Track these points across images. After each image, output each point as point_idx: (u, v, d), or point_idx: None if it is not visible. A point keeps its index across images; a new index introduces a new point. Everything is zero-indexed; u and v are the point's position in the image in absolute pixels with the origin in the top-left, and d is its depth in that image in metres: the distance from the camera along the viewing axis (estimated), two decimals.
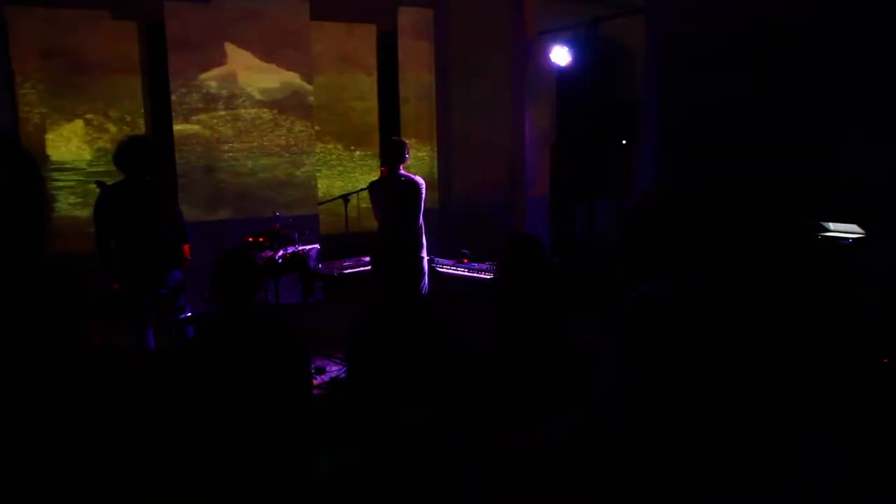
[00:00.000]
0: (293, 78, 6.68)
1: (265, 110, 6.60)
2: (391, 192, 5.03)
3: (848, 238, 5.43)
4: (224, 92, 6.42)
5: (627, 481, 1.76)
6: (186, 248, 4.22)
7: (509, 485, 2.60)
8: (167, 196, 4.21)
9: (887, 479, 2.92)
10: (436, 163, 8.08)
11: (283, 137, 6.70)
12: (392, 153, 5.03)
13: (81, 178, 6.49)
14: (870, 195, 6.02)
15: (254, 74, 6.50)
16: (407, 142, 5.19)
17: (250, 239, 4.59)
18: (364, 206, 5.34)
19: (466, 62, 7.76)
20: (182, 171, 6.32)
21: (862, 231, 5.26)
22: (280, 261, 4.51)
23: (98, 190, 4.12)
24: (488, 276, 4.71)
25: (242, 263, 2.50)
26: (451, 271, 5.00)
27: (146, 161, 4.10)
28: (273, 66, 6.56)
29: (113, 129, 6.62)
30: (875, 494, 2.86)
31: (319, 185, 7.30)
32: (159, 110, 6.54)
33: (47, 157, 6.28)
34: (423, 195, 5.06)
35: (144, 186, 4.07)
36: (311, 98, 6.82)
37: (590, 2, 6.99)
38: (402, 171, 5.01)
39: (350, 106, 7.75)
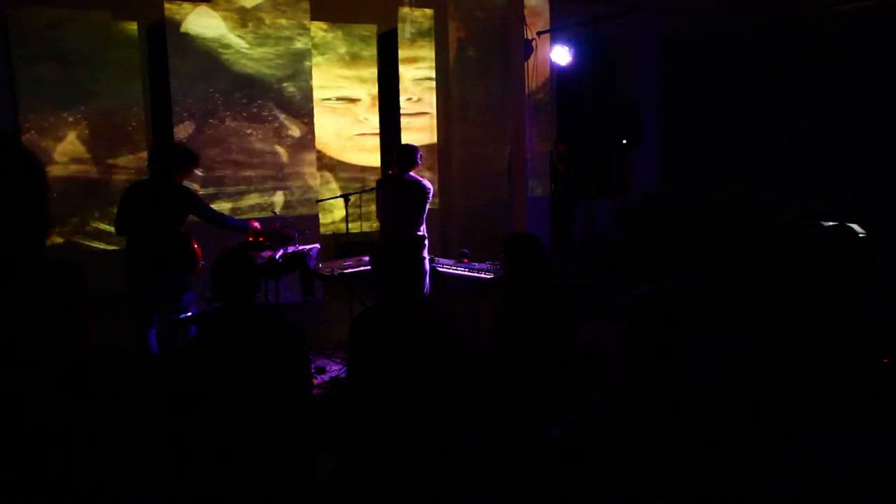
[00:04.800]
0: (293, 78, 6.67)
1: (265, 108, 6.59)
2: (396, 191, 5.03)
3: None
4: (225, 92, 6.41)
5: (627, 481, 1.76)
6: (199, 250, 4.21)
7: (508, 484, 2.60)
8: (186, 201, 4.20)
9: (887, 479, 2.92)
10: (436, 162, 8.08)
11: (282, 137, 6.70)
12: (404, 157, 5.02)
13: (82, 177, 6.51)
14: (871, 194, 6.02)
15: (254, 74, 6.49)
16: (420, 148, 5.20)
17: (251, 238, 4.59)
18: (365, 208, 5.34)
19: (466, 62, 7.76)
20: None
21: (863, 231, 5.26)
22: (280, 260, 4.50)
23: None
24: (488, 276, 4.71)
25: (241, 263, 2.50)
26: (451, 271, 5.00)
27: (171, 164, 4.13)
28: (273, 66, 6.56)
29: (113, 129, 6.63)
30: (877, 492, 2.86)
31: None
32: (160, 109, 6.54)
33: (47, 156, 6.27)
34: (429, 198, 5.06)
35: (165, 188, 4.09)
36: (312, 97, 6.81)
37: (590, 2, 6.99)
38: (411, 174, 5.01)
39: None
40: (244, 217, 6.22)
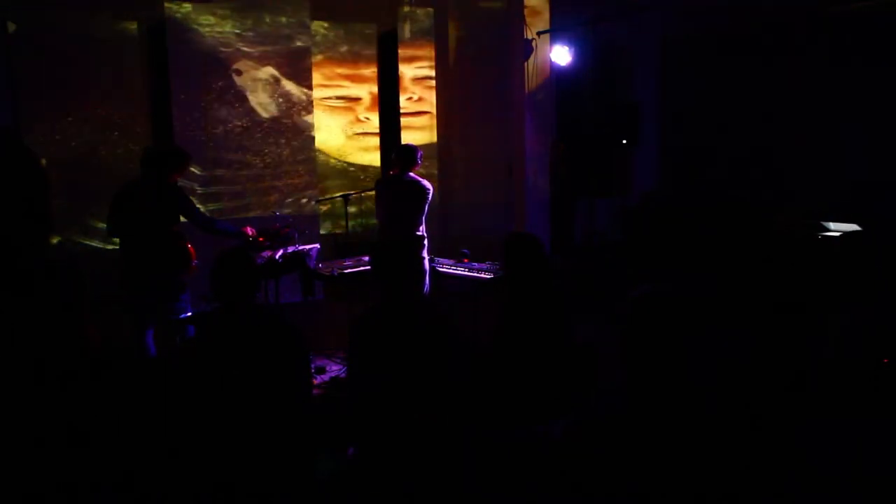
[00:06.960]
0: (293, 76, 6.67)
1: (266, 107, 6.59)
2: (395, 191, 5.03)
3: None
4: (225, 91, 6.41)
5: (628, 481, 1.76)
6: (192, 249, 4.21)
7: (509, 485, 2.60)
8: (178, 201, 4.19)
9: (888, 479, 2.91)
10: (436, 162, 8.08)
11: (282, 135, 6.70)
12: (404, 157, 5.02)
13: (83, 177, 6.50)
14: (871, 194, 6.02)
15: (254, 73, 6.50)
16: (420, 148, 5.20)
17: (248, 239, 4.59)
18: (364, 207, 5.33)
19: (466, 61, 7.76)
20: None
21: (863, 230, 5.25)
22: (280, 260, 4.50)
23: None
24: (488, 276, 4.71)
25: (241, 263, 2.50)
26: (451, 271, 5.00)
27: (163, 163, 4.12)
28: (274, 65, 6.56)
29: (114, 128, 6.62)
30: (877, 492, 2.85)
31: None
32: (161, 108, 6.53)
33: (48, 156, 6.26)
34: (429, 199, 5.06)
35: (159, 188, 4.08)
36: (312, 96, 6.81)
37: (590, 2, 6.99)
38: (411, 174, 5.01)
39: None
40: (244, 217, 6.21)
